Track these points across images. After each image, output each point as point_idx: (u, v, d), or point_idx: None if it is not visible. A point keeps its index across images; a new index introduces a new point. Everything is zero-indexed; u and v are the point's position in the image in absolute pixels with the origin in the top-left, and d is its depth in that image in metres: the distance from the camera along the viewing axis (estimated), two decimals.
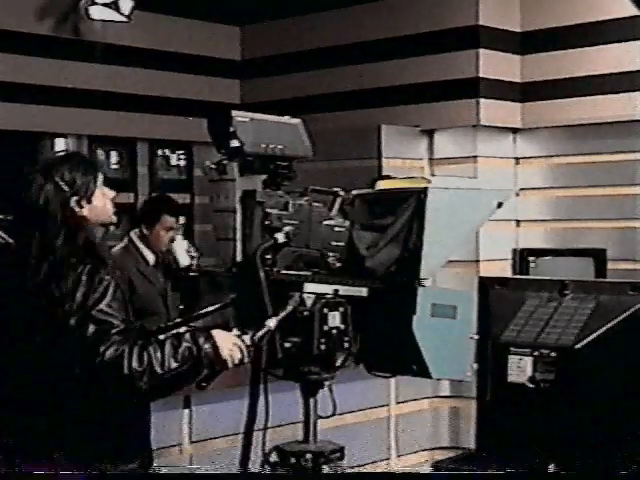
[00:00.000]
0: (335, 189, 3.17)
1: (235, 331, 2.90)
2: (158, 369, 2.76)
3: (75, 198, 2.90)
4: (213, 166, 2.97)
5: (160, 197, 6.35)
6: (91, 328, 2.75)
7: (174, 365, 2.78)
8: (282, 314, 2.88)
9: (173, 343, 2.81)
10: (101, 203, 2.98)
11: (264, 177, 2.99)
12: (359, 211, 3.20)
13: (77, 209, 2.90)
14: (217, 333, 2.88)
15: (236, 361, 2.88)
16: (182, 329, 3.14)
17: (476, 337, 3.17)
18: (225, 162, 2.95)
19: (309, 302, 2.95)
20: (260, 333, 2.86)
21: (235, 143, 2.90)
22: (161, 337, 2.92)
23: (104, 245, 3.12)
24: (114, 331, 2.76)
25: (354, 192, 3.25)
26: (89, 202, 2.93)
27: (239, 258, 2.93)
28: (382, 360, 3.20)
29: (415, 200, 3.07)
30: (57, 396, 2.82)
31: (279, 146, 2.97)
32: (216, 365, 2.86)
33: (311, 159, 3.10)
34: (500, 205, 3.25)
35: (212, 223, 3.08)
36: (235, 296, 3.08)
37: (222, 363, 2.86)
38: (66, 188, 2.89)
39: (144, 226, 5.63)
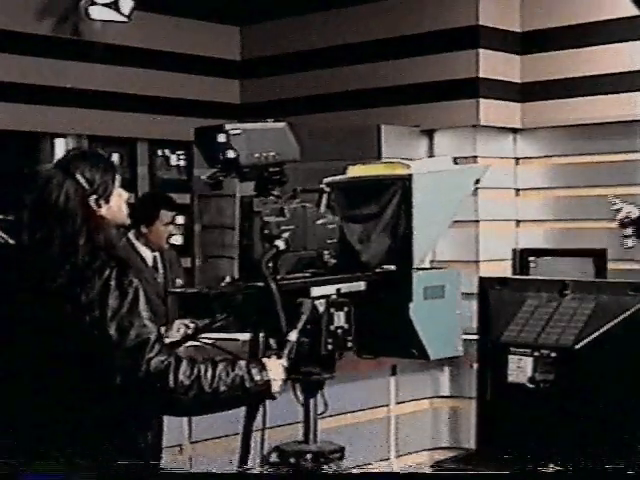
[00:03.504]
0: (320, 186, 3.15)
1: (282, 360, 2.83)
2: (206, 388, 2.68)
3: (94, 197, 2.80)
4: (209, 180, 2.94)
5: (155, 194, 6.32)
6: (132, 335, 2.65)
7: (222, 389, 2.71)
8: (299, 324, 2.86)
9: (226, 367, 2.73)
10: (117, 204, 2.90)
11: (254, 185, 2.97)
12: (338, 200, 3.16)
13: (96, 208, 2.81)
14: (270, 366, 2.80)
15: (281, 392, 2.83)
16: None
17: (459, 312, 3.20)
18: (220, 176, 2.92)
19: (322, 308, 2.95)
20: (287, 350, 2.83)
21: (230, 155, 2.89)
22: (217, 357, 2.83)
23: (124, 247, 3.03)
24: (153, 337, 2.67)
25: (326, 180, 3.19)
26: (107, 202, 2.84)
27: (238, 273, 2.90)
28: (380, 346, 3.21)
29: (400, 187, 3.06)
30: (81, 402, 2.72)
31: (271, 153, 2.95)
32: (264, 397, 2.82)
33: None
34: (478, 181, 3.23)
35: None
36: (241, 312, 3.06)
37: (271, 397, 2.82)
38: (86, 185, 2.79)
39: (143, 224, 5.62)
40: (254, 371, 2.76)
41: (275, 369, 2.80)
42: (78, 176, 2.80)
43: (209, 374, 2.70)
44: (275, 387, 2.79)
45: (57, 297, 2.72)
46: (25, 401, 2.80)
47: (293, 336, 2.85)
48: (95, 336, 2.67)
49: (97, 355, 2.68)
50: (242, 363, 2.77)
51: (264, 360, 2.83)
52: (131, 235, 5.63)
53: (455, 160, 3.37)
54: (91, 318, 2.68)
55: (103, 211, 2.84)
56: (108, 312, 2.67)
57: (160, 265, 5.67)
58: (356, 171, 3.28)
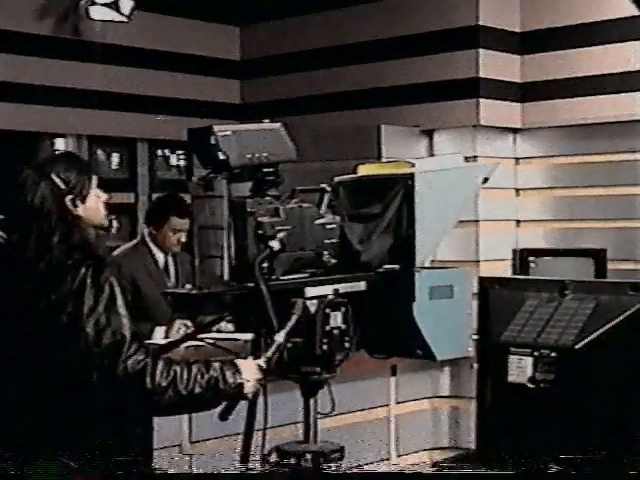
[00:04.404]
0: (322, 185, 3.15)
1: (259, 361, 2.85)
2: (182, 389, 2.71)
3: (70, 196, 2.84)
4: (201, 182, 2.96)
5: (169, 197, 6.20)
6: (108, 333, 2.68)
7: (197, 390, 2.74)
8: (289, 325, 2.87)
9: (201, 369, 2.76)
10: (95, 204, 2.92)
11: (250, 186, 2.98)
12: (344, 200, 3.19)
13: (72, 208, 2.85)
14: (244, 367, 2.83)
15: (255, 392, 2.86)
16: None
17: (469, 312, 3.20)
18: (212, 177, 2.93)
19: (313, 309, 2.95)
20: (271, 350, 2.85)
21: (220, 156, 2.90)
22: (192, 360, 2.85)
23: (101, 244, 3.07)
24: (129, 336, 2.70)
25: (336, 179, 3.23)
26: (83, 202, 2.87)
27: (228, 274, 2.91)
28: (386, 347, 3.21)
29: (402, 186, 3.06)
30: (57, 401, 2.75)
31: (264, 154, 2.96)
32: (238, 398, 2.83)
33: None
34: (486, 180, 3.22)
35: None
36: (234, 312, 3.07)
37: (244, 398, 2.84)
38: (62, 185, 2.83)
39: (152, 226, 5.60)
40: (228, 373, 2.79)
41: (249, 370, 2.83)
42: (53, 176, 2.84)
43: (185, 375, 2.73)
44: (248, 388, 2.82)
45: (35, 296, 2.74)
46: (4, 401, 2.82)
47: (280, 337, 2.85)
48: (72, 334, 2.70)
49: (75, 354, 2.70)
50: (216, 365, 2.80)
51: (238, 361, 2.85)
52: (146, 235, 5.62)
53: (466, 158, 3.37)
54: (68, 316, 2.71)
55: (80, 211, 2.87)
56: (84, 310, 2.69)
57: (172, 267, 5.64)
58: (365, 170, 3.28)
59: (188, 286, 5.56)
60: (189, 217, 5.55)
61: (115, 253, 5.50)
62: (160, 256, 5.60)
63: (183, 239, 5.51)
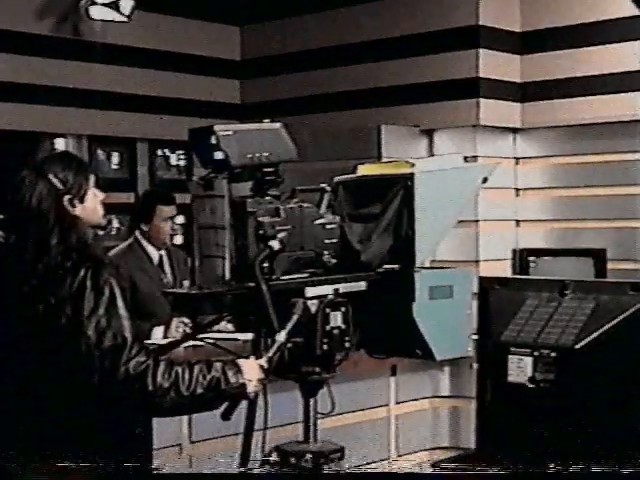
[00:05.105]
0: (322, 185, 3.16)
1: (261, 361, 2.85)
2: (184, 391, 2.71)
3: (68, 197, 2.83)
4: (201, 182, 2.96)
5: (150, 190, 6.37)
6: (109, 336, 2.68)
7: (199, 391, 2.74)
8: (289, 325, 2.87)
9: (202, 370, 2.76)
10: (92, 204, 2.91)
11: (250, 185, 2.99)
12: (344, 200, 3.19)
13: (70, 208, 2.83)
14: (245, 367, 2.83)
15: (257, 392, 2.86)
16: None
17: (469, 312, 3.19)
18: (212, 177, 2.94)
19: (314, 308, 2.95)
20: (273, 350, 2.85)
21: (220, 156, 2.90)
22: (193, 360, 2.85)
23: (99, 245, 3.06)
24: (130, 338, 2.69)
25: (336, 179, 3.24)
26: (81, 202, 2.86)
27: (229, 274, 2.91)
28: (386, 347, 3.21)
29: (402, 186, 3.06)
30: (58, 403, 2.75)
31: (264, 154, 2.96)
32: (239, 398, 2.84)
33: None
34: (485, 180, 3.22)
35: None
36: (234, 312, 3.07)
37: (246, 397, 2.84)
38: (60, 186, 2.82)
39: (143, 223, 5.62)
40: (229, 373, 2.79)
41: (251, 370, 2.83)
42: (51, 176, 2.83)
43: (186, 376, 2.73)
44: (250, 388, 2.82)
45: (34, 299, 2.74)
46: (5, 403, 2.82)
47: (281, 336, 2.85)
48: (73, 337, 2.69)
49: (76, 356, 2.69)
50: (218, 365, 2.80)
51: (240, 361, 2.85)
52: (138, 233, 5.63)
53: (466, 158, 3.37)
54: (68, 319, 2.70)
55: (78, 211, 2.86)
56: (85, 312, 2.69)
57: (167, 264, 5.66)
58: (365, 170, 3.28)
59: (186, 283, 5.62)
60: (175, 204, 5.66)
61: (110, 254, 5.51)
62: (154, 253, 5.62)
63: (176, 226, 5.57)
